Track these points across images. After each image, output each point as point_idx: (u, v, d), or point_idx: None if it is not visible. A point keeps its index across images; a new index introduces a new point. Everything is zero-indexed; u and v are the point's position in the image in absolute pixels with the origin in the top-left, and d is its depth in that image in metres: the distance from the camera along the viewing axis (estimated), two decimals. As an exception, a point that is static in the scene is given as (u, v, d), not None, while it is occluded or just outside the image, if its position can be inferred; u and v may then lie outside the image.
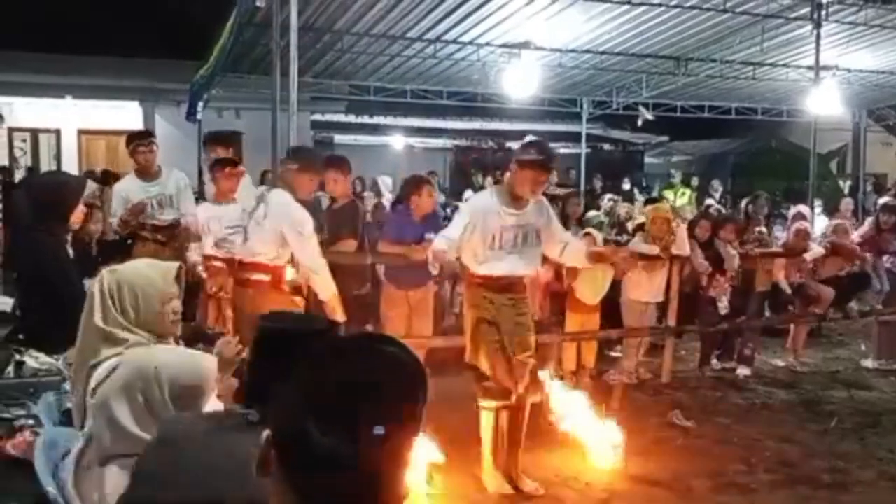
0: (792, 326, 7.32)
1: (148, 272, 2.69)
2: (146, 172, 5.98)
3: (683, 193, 13.99)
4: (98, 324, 2.60)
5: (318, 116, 16.27)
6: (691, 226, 6.88)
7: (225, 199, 5.50)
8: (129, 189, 5.98)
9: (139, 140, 6.06)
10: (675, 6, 8.66)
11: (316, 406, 1.18)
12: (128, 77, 13.62)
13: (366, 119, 17.27)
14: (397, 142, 17.77)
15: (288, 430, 1.18)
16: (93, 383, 2.56)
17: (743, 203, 8.17)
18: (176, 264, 2.81)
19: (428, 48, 10.16)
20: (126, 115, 14.39)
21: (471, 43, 9.84)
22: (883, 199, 11.46)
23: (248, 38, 8.58)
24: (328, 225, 5.63)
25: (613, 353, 6.97)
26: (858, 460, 4.83)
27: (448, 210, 9.52)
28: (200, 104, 11.84)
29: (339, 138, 16.87)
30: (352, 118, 17.09)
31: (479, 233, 4.15)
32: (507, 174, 4.49)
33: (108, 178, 9.11)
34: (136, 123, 14.02)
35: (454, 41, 9.78)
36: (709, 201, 12.38)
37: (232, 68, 10.33)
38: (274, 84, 6.61)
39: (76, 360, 2.78)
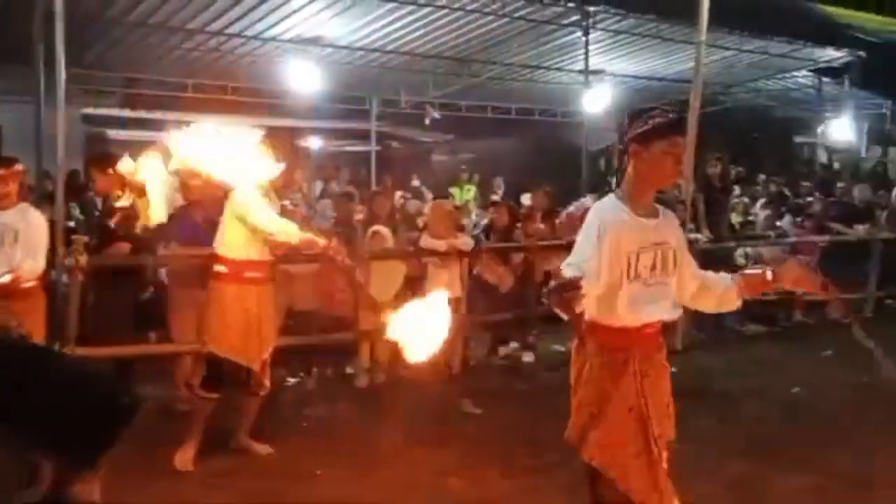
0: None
1: None
2: None
3: (469, 190, 14.56)
4: None
5: (90, 110, 15.16)
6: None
7: None
8: None
9: None
10: (458, 9, 8.94)
11: None
12: None
13: (143, 114, 16.31)
14: (179, 138, 16.93)
15: None
16: None
17: (524, 198, 8.62)
18: None
19: (210, 41, 9.77)
20: None
21: (256, 37, 9.56)
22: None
23: (4, 24, 7.81)
24: (100, 227, 5.35)
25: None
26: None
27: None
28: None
29: (113, 134, 15.81)
30: (127, 112, 16.07)
31: (612, 256, 2.75)
32: (627, 169, 2.88)
33: None
34: None
35: (239, 34, 9.46)
36: (494, 198, 12.94)
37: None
38: (37, 76, 6.11)
39: None
